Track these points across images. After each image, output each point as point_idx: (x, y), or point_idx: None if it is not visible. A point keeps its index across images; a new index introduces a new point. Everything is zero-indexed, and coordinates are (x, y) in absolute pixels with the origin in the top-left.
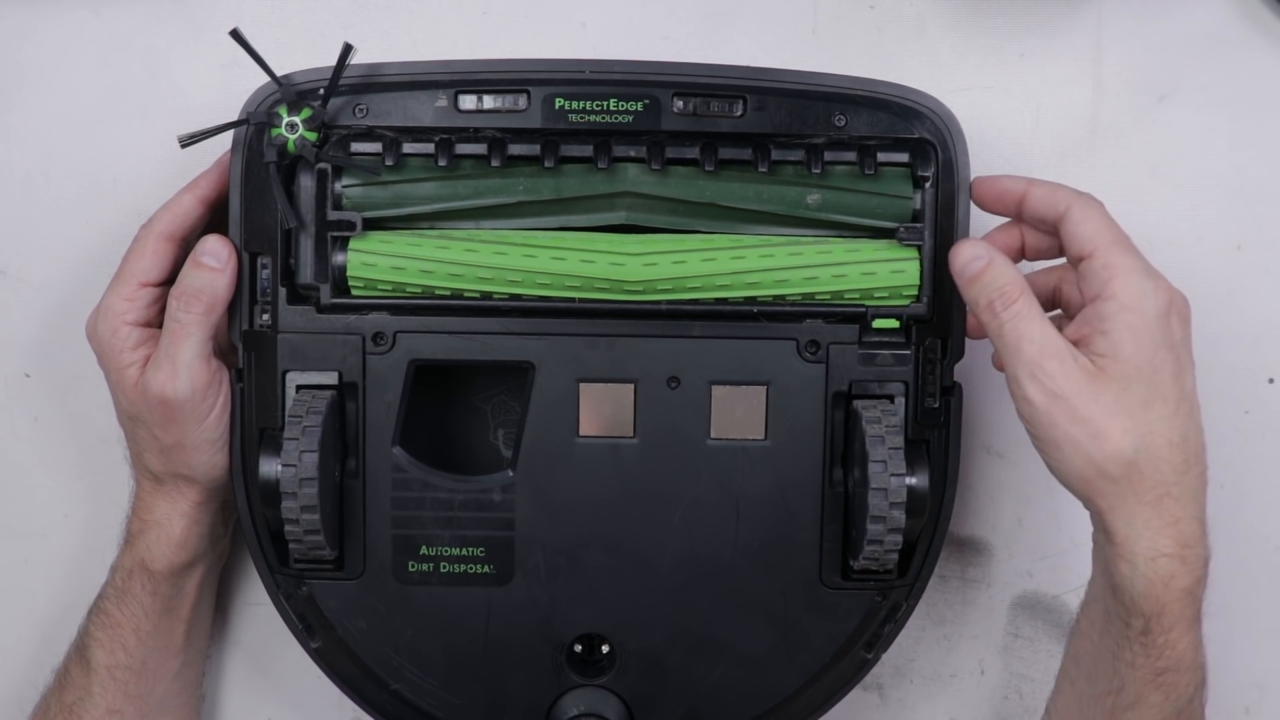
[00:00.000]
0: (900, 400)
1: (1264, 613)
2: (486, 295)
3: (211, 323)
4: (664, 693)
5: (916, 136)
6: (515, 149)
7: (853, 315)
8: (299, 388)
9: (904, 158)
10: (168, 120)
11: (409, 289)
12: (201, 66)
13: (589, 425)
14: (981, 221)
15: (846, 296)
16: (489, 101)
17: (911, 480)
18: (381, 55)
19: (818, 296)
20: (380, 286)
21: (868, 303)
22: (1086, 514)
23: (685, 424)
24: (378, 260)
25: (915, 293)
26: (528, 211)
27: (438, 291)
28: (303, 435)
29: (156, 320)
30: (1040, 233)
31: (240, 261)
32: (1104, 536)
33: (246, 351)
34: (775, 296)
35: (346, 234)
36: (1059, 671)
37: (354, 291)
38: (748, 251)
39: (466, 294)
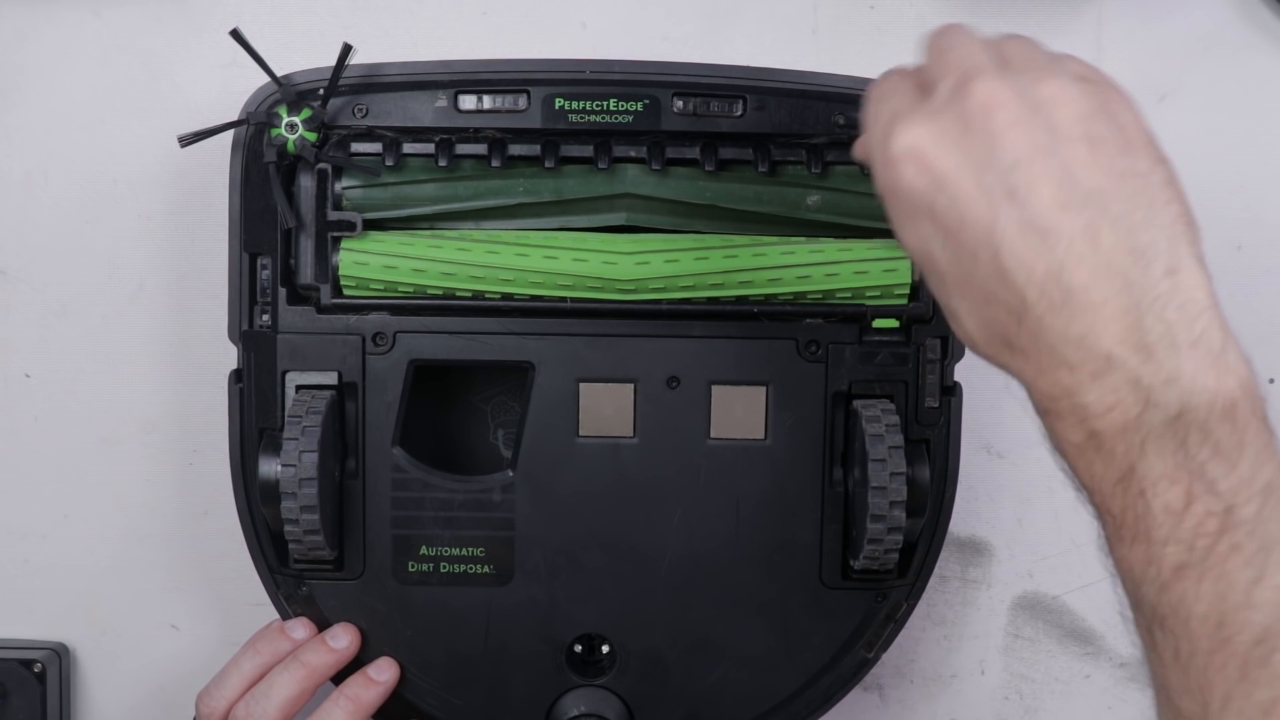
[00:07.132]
0: (900, 400)
1: None
2: (479, 294)
3: None
4: (664, 693)
5: None
6: (515, 149)
7: (853, 315)
8: (299, 388)
9: None
10: (168, 120)
11: (401, 288)
12: (201, 66)
13: (589, 425)
14: None
15: (839, 295)
16: (489, 102)
17: (911, 479)
18: (381, 55)
19: (810, 295)
20: (373, 286)
21: (860, 301)
22: (1086, 514)
23: (685, 424)
24: (370, 259)
25: (908, 291)
26: (527, 213)
27: (430, 290)
28: (302, 435)
29: None
30: None
31: (240, 262)
32: None
33: (246, 352)
34: (768, 295)
35: (347, 234)
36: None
37: (346, 291)
38: (740, 250)
39: (459, 293)
